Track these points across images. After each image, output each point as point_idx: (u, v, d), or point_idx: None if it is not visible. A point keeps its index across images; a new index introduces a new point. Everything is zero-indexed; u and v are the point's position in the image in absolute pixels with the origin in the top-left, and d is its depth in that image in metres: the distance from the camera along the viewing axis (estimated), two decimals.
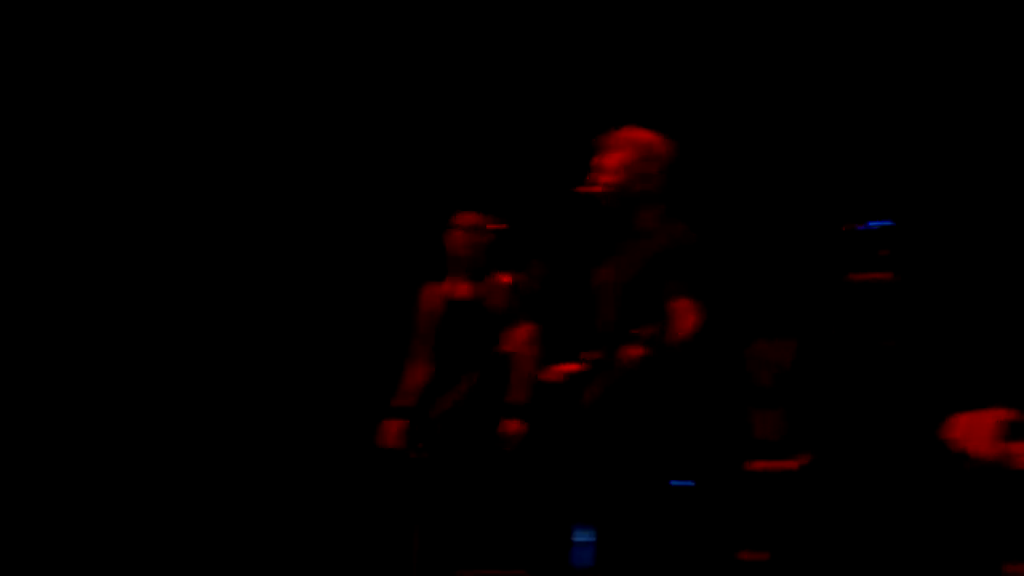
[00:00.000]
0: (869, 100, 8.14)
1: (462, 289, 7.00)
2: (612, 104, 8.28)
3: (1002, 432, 6.98)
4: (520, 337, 6.88)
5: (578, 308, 5.76)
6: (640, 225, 5.16)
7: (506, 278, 6.95)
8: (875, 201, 7.61)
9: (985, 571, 6.65)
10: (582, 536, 7.34)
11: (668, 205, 5.19)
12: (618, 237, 5.27)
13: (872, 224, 7.10)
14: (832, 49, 8.31)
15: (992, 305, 7.45)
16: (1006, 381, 7.18)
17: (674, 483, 5.09)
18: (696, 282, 5.06)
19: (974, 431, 7.02)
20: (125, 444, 8.75)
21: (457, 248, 6.96)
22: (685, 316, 4.91)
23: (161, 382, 8.88)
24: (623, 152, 5.18)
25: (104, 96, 9.06)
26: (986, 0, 8.03)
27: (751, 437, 7.64)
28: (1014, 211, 7.87)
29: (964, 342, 7.32)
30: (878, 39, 8.26)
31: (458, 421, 6.80)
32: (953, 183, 7.98)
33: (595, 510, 5.24)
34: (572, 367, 5.27)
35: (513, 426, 6.73)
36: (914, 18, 8.18)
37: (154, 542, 8.55)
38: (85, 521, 8.50)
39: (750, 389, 7.79)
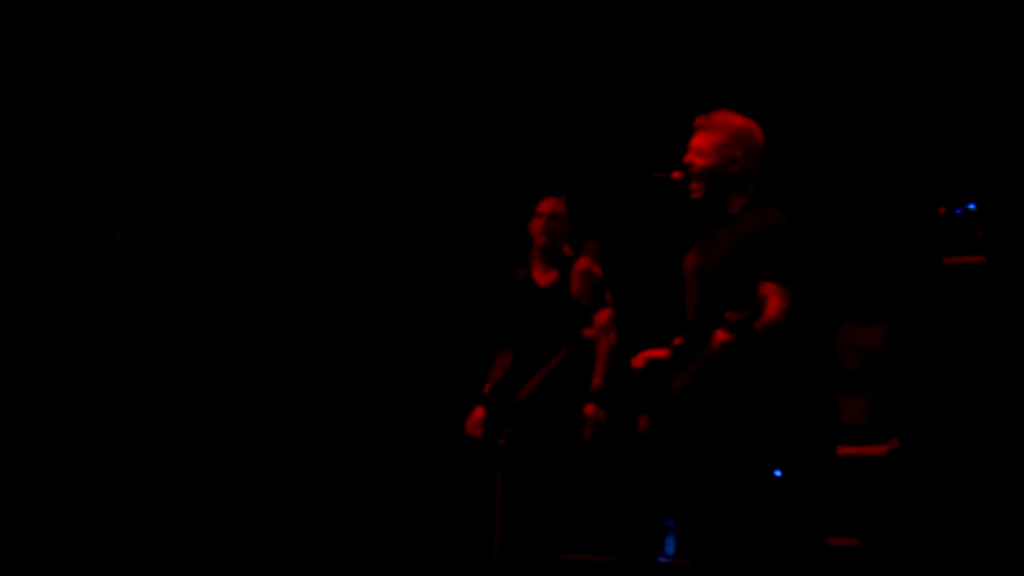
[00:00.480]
0: (960, 84, 8.07)
1: (544, 276, 7.02)
2: (699, 90, 8.27)
3: None
4: (599, 322, 6.90)
5: (662, 292, 5.86)
6: (730, 209, 5.16)
7: (585, 263, 6.96)
8: (968, 184, 7.54)
9: None
10: (673, 523, 7.35)
11: (758, 189, 5.19)
12: (707, 221, 5.26)
13: (967, 207, 7.03)
14: (922, 37, 8.26)
15: None
16: None
17: (770, 473, 5.10)
18: (785, 267, 5.03)
19: None
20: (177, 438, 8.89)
21: (537, 235, 7.00)
22: (774, 301, 4.89)
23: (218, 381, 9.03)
24: (716, 134, 5.17)
25: (100, 95, 9.16)
26: None
27: (839, 422, 7.61)
28: None
29: None
30: (965, 31, 8.21)
31: (542, 407, 6.83)
32: None
33: (685, 497, 5.27)
34: (660, 352, 5.26)
35: (591, 410, 6.76)
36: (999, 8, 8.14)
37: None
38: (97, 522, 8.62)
39: (838, 374, 7.75)
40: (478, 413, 6.95)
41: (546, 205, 7.00)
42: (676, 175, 5.18)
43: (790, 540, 5.27)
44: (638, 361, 5.28)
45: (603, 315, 6.90)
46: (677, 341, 5.21)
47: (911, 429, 7.29)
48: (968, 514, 7.00)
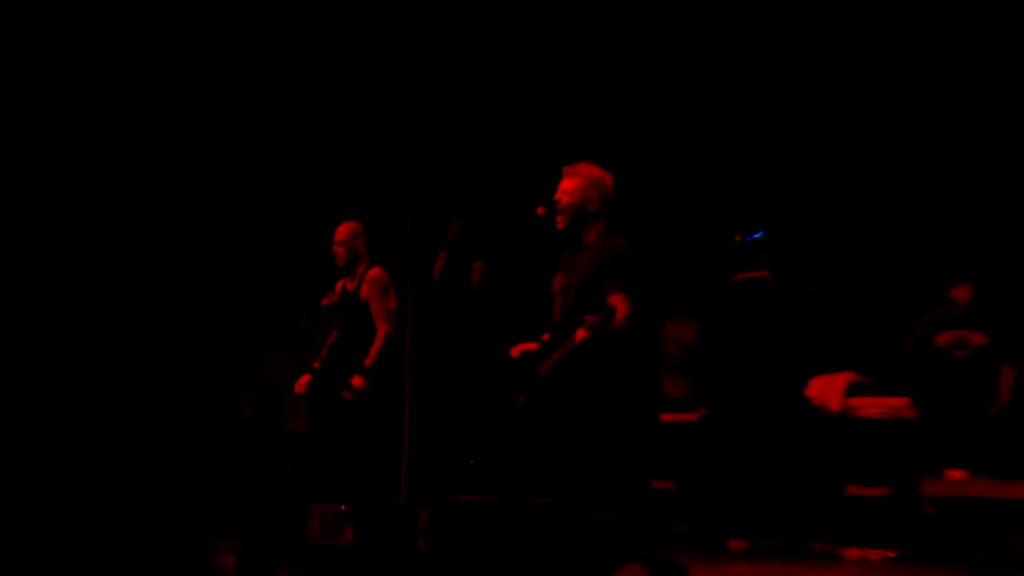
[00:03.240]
0: (748, 139, 10.30)
1: (349, 283, 8.58)
2: (561, 144, 10.17)
3: (847, 390, 9.25)
4: (378, 318, 8.46)
5: (534, 302, 7.17)
6: (586, 238, 6.54)
7: (374, 272, 8.51)
8: (755, 218, 9.77)
9: (829, 494, 8.91)
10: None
11: (608, 223, 6.58)
12: (569, 247, 6.62)
13: (756, 235, 9.29)
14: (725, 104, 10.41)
15: (839, 296, 9.68)
16: (850, 352, 9.45)
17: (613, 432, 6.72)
18: (628, 282, 6.40)
19: (827, 390, 9.28)
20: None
21: (335, 255, 8.59)
22: (620, 308, 6.24)
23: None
24: (578, 180, 6.55)
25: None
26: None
27: (664, 396, 9.76)
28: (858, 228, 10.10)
29: (821, 323, 9.52)
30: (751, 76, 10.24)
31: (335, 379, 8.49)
32: (813, 204, 10.18)
33: (550, 451, 6.53)
34: (531, 346, 6.61)
35: (358, 381, 8.26)
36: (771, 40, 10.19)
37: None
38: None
39: (663, 360, 9.88)
40: (304, 378, 8.41)
41: (336, 232, 8.62)
42: (540, 211, 6.54)
43: (625, 483, 6.74)
44: (515, 352, 6.65)
45: (376, 310, 8.46)
46: (545, 337, 6.56)
47: (716, 401, 9.51)
48: (758, 464, 9.18)
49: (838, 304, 9.74)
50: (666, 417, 9.68)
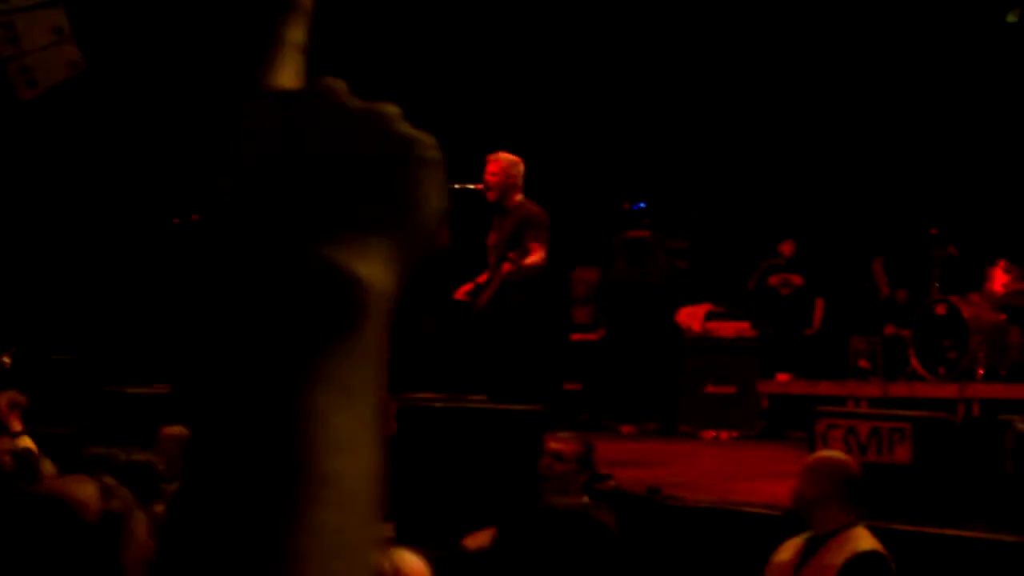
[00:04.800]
0: (630, 121, 13.20)
1: None
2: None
3: (706, 317, 12.33)
4: None
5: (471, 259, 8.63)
6: (509, 204, 8.49)
7: None
8: (639, 189, 12.69)
9: (693, 391, 11.95)
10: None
11: (524, 193, 8.56)
12: (497, 212, 8.51)
13: (638, 205, 12.40)
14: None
15: (700, 249, 12.64)
16: (708, 289, 12.49)
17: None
18: (541, 234, 8.41)
19: (691, 316, 12.33)
20: None
21: None
22: (536, 251, 8.32)
23: None
24: (501, 163, 8.55)
25: None
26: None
27: (573, 322, 12.72)
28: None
29: (686, 268, 12.59)
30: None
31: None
32: (682, 178, 13.06)
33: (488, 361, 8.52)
34: (470, 285, 8.56)
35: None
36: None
37: None
38: None
39: (573, 296, 12.89)
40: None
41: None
42: (478, 187, 8.43)
43: (542, 384, 8.97)
44: (458, 294, 8.60)
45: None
46: (481, 279, 8.55)
47: (612, 325, 12.51)
48: (643, 369, 12.16)
49: (699, 254, 12.73)
50: (575, 336, 12.73)
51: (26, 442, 9.44)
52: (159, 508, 4.06)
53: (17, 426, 9.52)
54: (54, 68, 13.62)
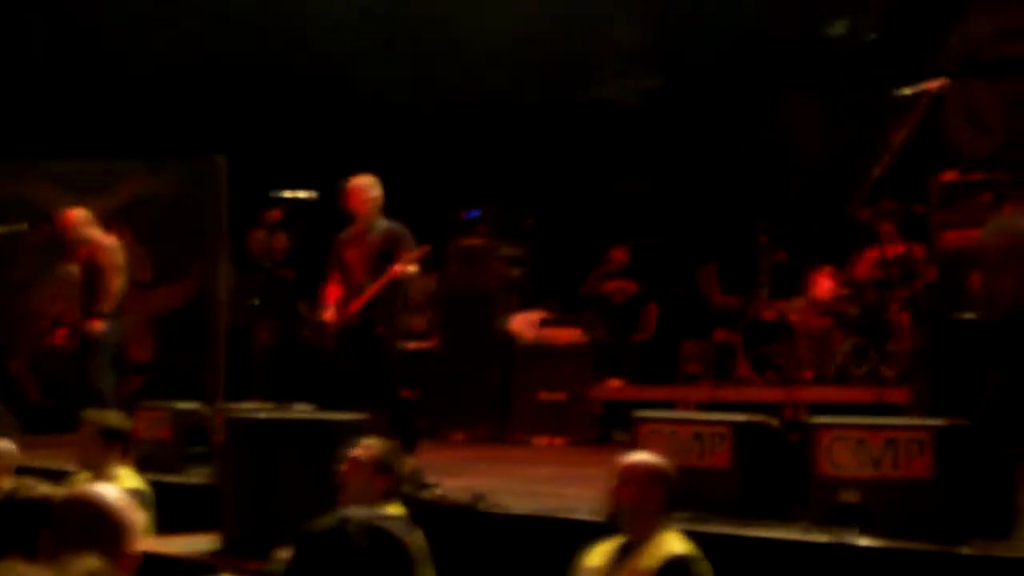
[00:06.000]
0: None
1: None
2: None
3: (539, 323, 12.37)
4: None
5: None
6: (371, 221, 8.92)
7: None
8: (473, 198, 12.71)
9: (525, 398, 12.02)
10: None
11: (382, 212, 9.04)
12: (355, 231, 8.93)
13: (473, 213, 12.40)
14: None
15: (534, 255, 12.70)
16: (541, 295, 12.61)
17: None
18: (408, 245, 8.81)
19: (524, 323, 12.36)
20: None
21: None
22: (407, 260, 8.73)
23: None
24: (362, 183, 8.98)
25: None
26: None
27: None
28: None
29: (521, 275, 12.66)
30: None
31: None
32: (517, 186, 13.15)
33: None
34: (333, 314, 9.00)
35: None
36: None
37: None
38: None
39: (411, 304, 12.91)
40: None
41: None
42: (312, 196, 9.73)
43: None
44: (329, 320, 8.95)
45: None
46: (341, 294, 8.98)
47: (447, 332, 12.54)
48: (474, 376, 12.20)
49: (534, 261, 12.85)
50: (411, 344, 12.67)
51: None
52: None
53: None
54: None
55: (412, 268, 8.98)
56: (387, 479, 5.96)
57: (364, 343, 9.01)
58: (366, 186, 9.10)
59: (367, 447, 6.08)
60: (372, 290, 8.95)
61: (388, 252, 9.00)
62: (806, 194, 12.12)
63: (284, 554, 5.83)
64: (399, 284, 9.04)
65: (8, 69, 13.48)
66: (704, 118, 12.59)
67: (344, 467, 6.01)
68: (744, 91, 12.47)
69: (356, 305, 9.00)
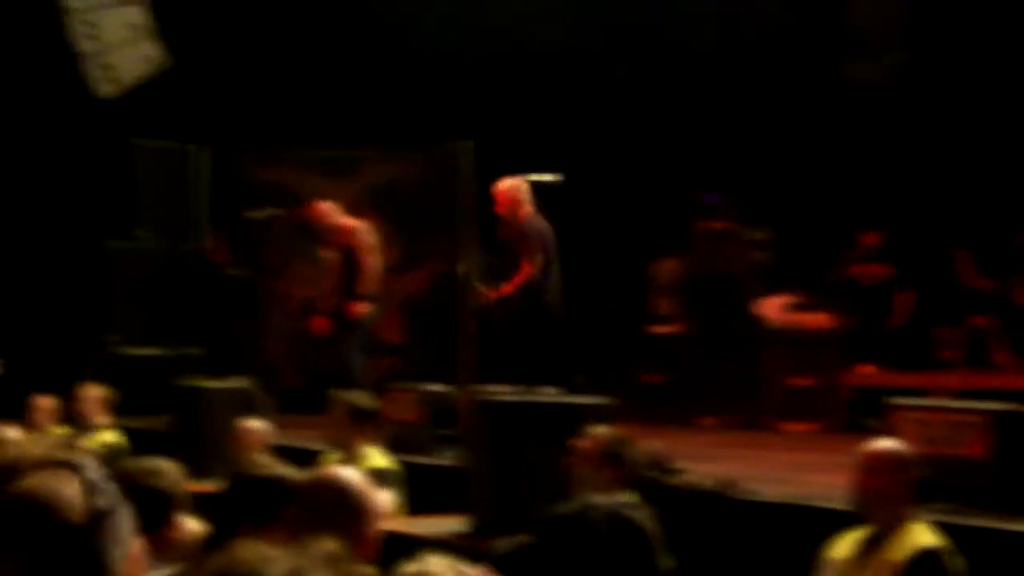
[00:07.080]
0: None
1: None
2: None
3: (786, 308, 12.18)
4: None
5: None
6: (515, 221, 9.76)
7: None
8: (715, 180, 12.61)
9: (774, 384, 11.85)
10: None
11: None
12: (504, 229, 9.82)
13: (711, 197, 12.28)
14: None
15: (783, 239, 12.53)
16: (790, 280, 12.40)
17: None
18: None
19: (771, 308, 12.19)
20: None
21: None
22: (527, 267, 9.61)
23: None
24: (507, 186, 9.78)
25: None
26: None
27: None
28: None
29: (768, 260, 12.48)
30: None
31: None
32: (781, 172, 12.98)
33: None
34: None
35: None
36: None
37: None
38: None
39: None
40: None
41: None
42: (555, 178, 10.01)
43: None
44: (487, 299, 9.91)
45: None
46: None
47: (693, 320, 12.44)
48: (724, 362, 12.09)
49: (782, 244, 12.59)
50: (657, 328, 12.72)
51: (112, 436, 9.73)
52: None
53: (103, 420, 9.78)
54: (133, 64, 14.02)
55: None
56: (615, 469, 5.88)
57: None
58: (509, 188, 9.70)
59: (593, 437, 6.01)
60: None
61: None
62: None
63: (504, 543, 5.90)
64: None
65: (268, 63, 13.88)
66: (956, 97, 12.19)
67: (572, 458, 5.96)
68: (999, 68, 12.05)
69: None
